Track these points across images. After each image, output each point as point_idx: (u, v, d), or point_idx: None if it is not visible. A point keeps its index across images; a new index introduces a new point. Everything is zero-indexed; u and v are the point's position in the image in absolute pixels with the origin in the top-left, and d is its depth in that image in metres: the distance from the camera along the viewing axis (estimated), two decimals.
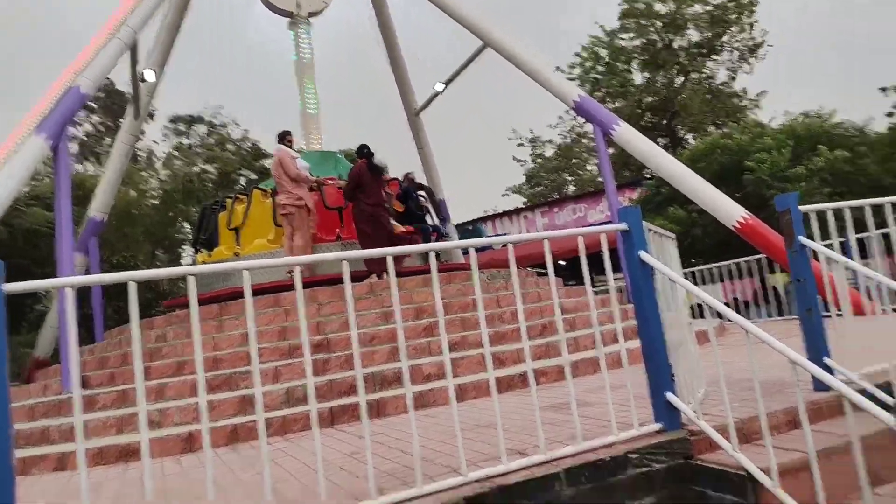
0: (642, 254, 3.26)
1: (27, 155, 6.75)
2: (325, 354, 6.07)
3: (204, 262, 10.11)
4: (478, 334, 6.40)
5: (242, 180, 28.13)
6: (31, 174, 6.90)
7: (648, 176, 21.22)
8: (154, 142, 31.44)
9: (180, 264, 25.09)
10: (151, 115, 29.08)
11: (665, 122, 27.59)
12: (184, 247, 26.54)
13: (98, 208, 12.38)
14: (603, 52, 28.31)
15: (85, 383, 6.39)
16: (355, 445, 3.96)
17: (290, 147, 9.02)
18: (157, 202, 25.45)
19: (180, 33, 12.78)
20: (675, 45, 27.15)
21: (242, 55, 63.93)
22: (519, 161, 37.66)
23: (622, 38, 27.84)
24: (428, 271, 8.35)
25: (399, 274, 7.85)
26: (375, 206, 8.74)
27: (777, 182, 13.83)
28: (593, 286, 3.64)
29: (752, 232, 8.44)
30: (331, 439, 4.30)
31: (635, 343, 3.32)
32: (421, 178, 13.55)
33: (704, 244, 14.19)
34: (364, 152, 9.00)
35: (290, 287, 8.15)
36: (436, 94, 13.97)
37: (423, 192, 10.64)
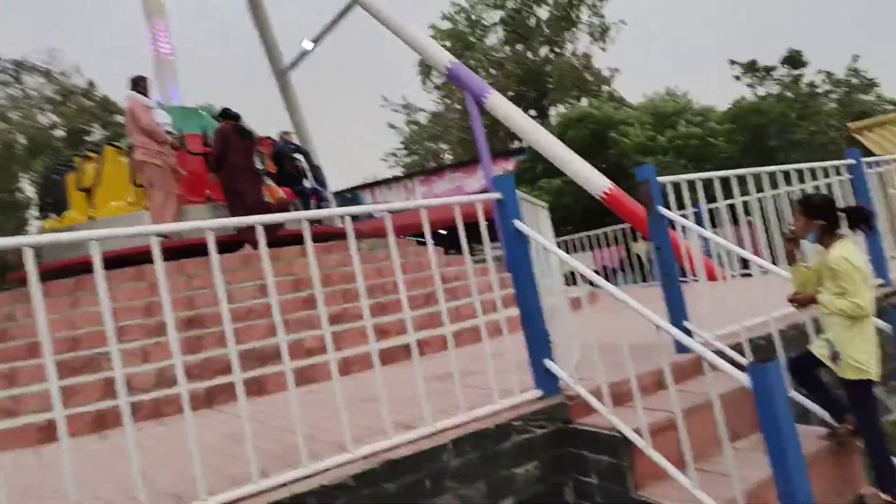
0: (517, 223, 3.33)
1: None
2: (199, 331, 5.76)
3: (53, 229, 9.18)
4: (360, 306, 6.34)
5: (97, 136, 25.68)
6: None
7: (523, 147, 21.88)
8: None
9: (25, 231, 22.68)
10: None
11: (533, 94, 28.48)
12: (29, 211, 24.01)
13: None
14: (461, 24, 28.79)
15: None
16: (235, 426, 3.81)
17: (145, 95, 8.13)
18: None
19: None
20: (535, 18, 28.04)
21: None
22: (394, 128, 37.42)
23: (482, 8, 28.39)
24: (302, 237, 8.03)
25: (277, 242, 7.64)
26: (246, 170, 8.28)
27: (639, 155, 14.75)
28: (472, 255, 3.72)
29: (616, 202, 8.96)
30: (209, 420, 4.12)
31: (515, 311, 3.41)
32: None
33: (576, 213, 14.90)
34: (229, 114, 8.48)
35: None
36: (304, 53, 13.48)
37: (299, 154, 10.23)
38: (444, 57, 10.20)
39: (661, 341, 2.75)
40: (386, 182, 26.86)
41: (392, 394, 2.96)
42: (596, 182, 9.09)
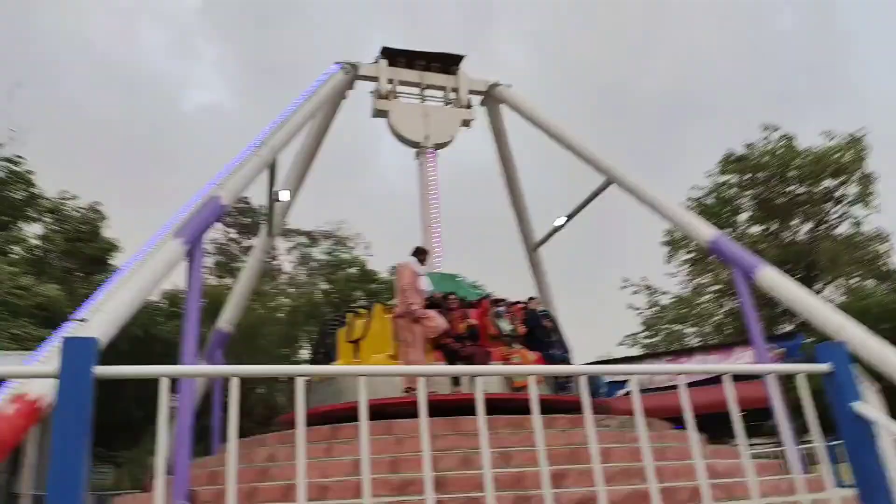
0: (858, 405, 2.57)
1: (163, 257, 7.04)
2: (440, 495, 5.45)
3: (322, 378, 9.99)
4: (614, 491, 5.57)
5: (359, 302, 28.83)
6: (166, 275, 7.15)
7: (793, 332, 19.50)
8: (280, 255, 33.10)
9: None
10: (285, 234, 31.16)
11: (799, 274, 25.79)
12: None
13: (226, 320, 12.85)
14: (710, 202, 27.63)
15: (194, 499, 6.13)
16: None
17: (421, 263, 9.04)
18: (282, 316, 26.43)
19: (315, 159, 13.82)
20: (791, 194, 25.99)
21: (366, 179, 68.77)
22: (635, 309, 36.18)
23: (729, 190, 27.15)
24: (555, 407, 7.60)
25: (518, 409, 7.31)
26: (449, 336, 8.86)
27: None
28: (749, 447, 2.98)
29: None
30: None
31: None
32: None
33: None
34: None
35: (404, 413, 7.72)
36: (556, 229, 13.86)
37: (548, 319, 10.18)
38: (706, 231, 9.67)
39: None
40: (628, 359, 25.55)
41: None
42: None
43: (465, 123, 13.92)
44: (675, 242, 27.69)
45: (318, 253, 33.57)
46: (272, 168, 10.77)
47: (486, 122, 14.51)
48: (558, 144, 11.86)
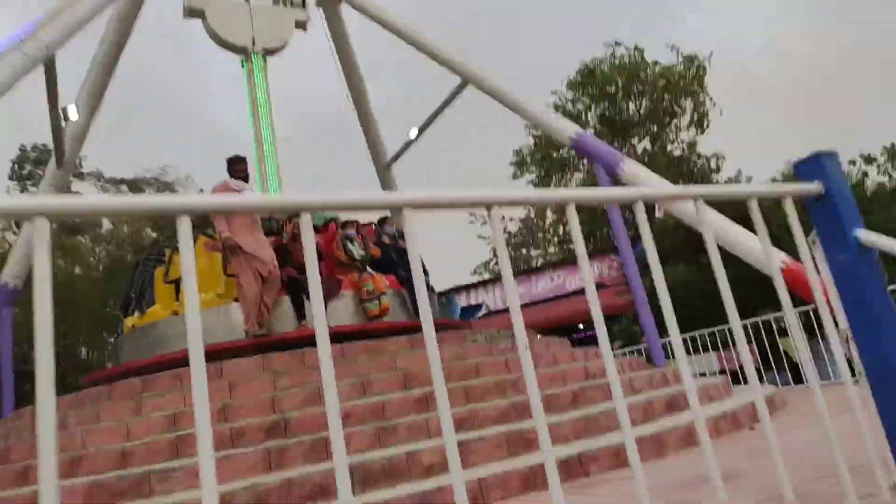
0: (862, 233, 1.78)
1: None
2: (282, 441, 4.35)
3: (133, 326, 8.29)
4: (490, 407, 4.78)
5: None
6: None
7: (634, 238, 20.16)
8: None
9: (117, 337, 22.72)
10: (81, 174, 27.23)
11: None
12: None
13: (11, 273, 10.50)
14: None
15: None
16: None
17: (240, 178, 7.24)
18: (101, 270, 23.32)
19: (114, 77, 11.37)
20: (632, 111, 26.75)
21: (189, 106, 62.99)
22: (484, 238, 36.71)
23: (577, 105, 27.25)
24: (413, 330, 6.66)
25: (374, 334, 6.38)
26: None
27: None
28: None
29: (796, 278, 7.13)
30: None
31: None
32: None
33: (700, 308, 12.94)
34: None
35: (240, 352, 6.48)
36: (409, 143, 12.74)
37: (402, 240, 9.20)
38: (569, 128, 9.14)
39: None
40: (482, 283, 25.66)
41: None
42: (770, 256, 7.32)
43: (300, 25, 12.06)
44: (522, 162, 27.44)
45: None
46: (52, 77, 8.51)
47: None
48: (409, 46, 10.57)
